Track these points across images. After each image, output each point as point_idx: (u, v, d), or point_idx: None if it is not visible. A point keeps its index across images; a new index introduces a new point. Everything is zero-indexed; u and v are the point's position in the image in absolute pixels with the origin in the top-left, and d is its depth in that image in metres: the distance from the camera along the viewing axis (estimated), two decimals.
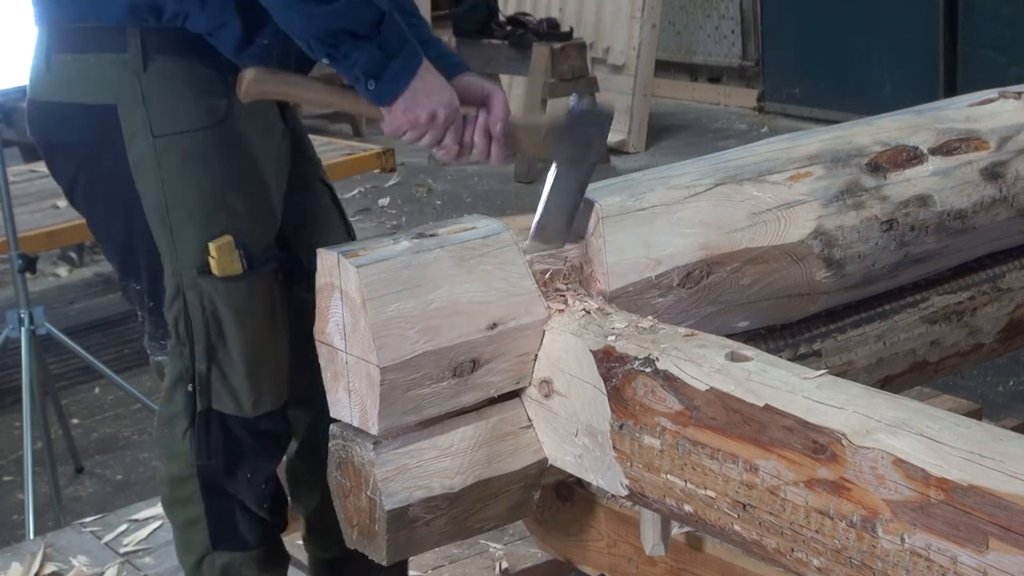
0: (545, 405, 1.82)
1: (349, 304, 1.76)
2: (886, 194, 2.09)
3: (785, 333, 2.10)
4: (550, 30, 7.22)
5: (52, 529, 3.24)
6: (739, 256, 1.96)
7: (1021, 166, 2.25)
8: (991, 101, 2.35)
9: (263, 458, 2.10)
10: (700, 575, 2.19)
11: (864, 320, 2.17)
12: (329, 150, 5.14)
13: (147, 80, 1.97)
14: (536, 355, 1.83)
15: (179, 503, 2.13)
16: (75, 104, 2.00)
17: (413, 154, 7.20)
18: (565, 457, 1.82)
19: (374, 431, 1.77)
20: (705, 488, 1.59)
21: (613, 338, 1.74)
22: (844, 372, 2.09)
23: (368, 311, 1.72)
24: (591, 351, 1.73)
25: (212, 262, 1.99)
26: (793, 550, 1.51)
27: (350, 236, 2.27)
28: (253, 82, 1.99)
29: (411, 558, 2.38)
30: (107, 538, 2.93)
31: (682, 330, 1.76)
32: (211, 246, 1.99)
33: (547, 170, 1.89)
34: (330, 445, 1.88)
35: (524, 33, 7.20)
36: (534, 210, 1.87)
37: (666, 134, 7.64)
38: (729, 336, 1.86)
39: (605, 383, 1.70)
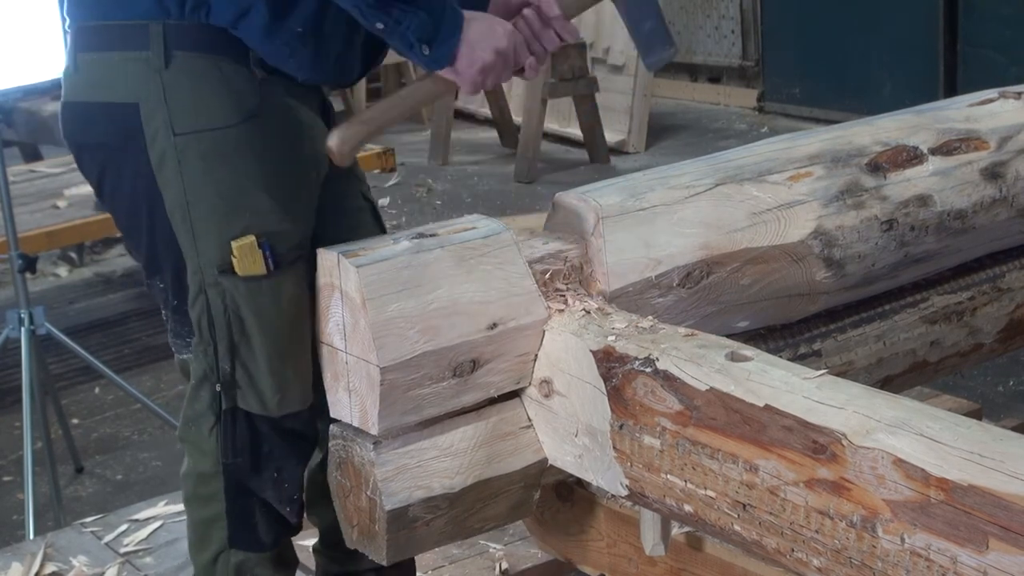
0: (545, 405, 1.82)
1: (349, 304, 1.76)
2: (886, 194, 2.09)
3: (785, 333, 2.10)
4: None
5: (52, 529, 3.23)
6: (739, 256, 1.96)
7: (1021, 166, 2.25)
8: (991, 101, 2.35)
9: (290, 457, 2.09)
10: (700, 575, 2.19)
11: (864, 320, 2.17)
12: None
13: (169, 77, 1.95)
14: (536, 355, 1.83)
15: (201, 499, 2.13)
16: (100, 103, 1.99)
17: (413, 154, 7.19)
18: (565, 457, 1.82)
19: (374, 431, 1.77)
20: (705, 488, 1.59)
21: (613, 338, 1.74)
22: (844, 372, 2.09)
23: (368, 311, 1.72)
24: (591, 351, 1.73)
25: (234, 261, 1.97)
26: (793, 550, 1.51)
27: None
28: (342, 144, 1.98)
29: None
30: (107, 538, 2.92)
31: (682, 330, 1.76)
32: (233, 245, 1.98)
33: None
34: (330, 445, 1.88)
35: None
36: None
37: (666, 134, 7.63)
38: (729, 336, 1.86)
39: (605, 383, 1.70)
